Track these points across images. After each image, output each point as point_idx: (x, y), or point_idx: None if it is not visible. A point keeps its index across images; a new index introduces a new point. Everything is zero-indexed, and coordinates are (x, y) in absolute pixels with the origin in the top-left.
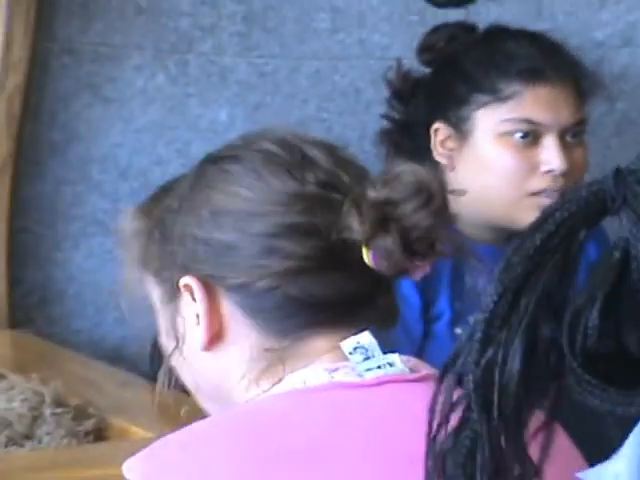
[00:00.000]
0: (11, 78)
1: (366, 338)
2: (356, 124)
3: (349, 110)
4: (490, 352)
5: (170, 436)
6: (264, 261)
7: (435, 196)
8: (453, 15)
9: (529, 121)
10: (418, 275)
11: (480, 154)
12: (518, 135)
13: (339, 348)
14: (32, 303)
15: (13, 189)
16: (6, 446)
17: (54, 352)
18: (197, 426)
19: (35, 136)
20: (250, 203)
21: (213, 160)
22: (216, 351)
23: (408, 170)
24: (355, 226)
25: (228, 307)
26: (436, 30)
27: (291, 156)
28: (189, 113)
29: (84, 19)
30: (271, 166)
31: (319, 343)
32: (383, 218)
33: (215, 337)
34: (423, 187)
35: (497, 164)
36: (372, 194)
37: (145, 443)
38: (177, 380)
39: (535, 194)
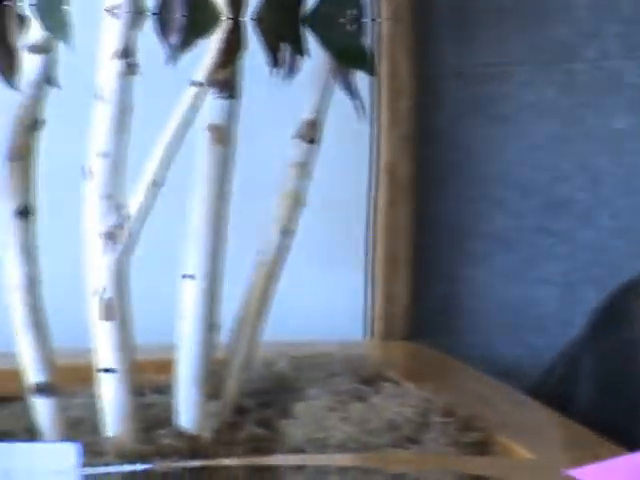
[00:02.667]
0: (401, 103)
1: None
2: None
3: None
4: None
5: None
6: None
7: None
8: None
9: None
10: None
11: None
12: None
13: None
14: (431, 317)
15: (416, 208)
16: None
17: (448, 364)
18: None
19: (435, 156)
20: None
21: None
22: None
23: None
24: None
25: None
26: None
27: None
28: (584, 124)
29: (465, 42)
30: None
31: None
32: None
33: None
34: None
35: None
36: None
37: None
38: None
39: None
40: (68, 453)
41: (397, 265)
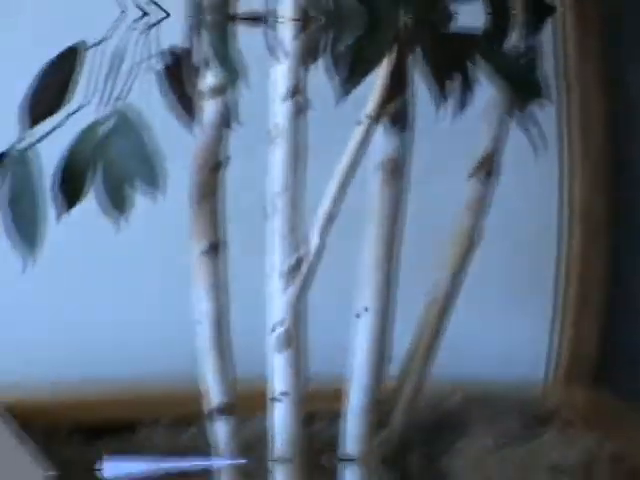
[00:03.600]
0: (593, 138)
1: None
2: None
3: None
4: None
5: None
6: None
7: None
8: None
9: None
10: None
11: None
12: None
13: None
14: (620, 363)
15: (612, 250)
16: None
17: (625, 412)
18: None
19: (633, 196)
20: None
21: None
22: None
23: None
24: None
25: None
26: None
27: None
28: None
29: None
30: None
31: None
32: None
33: None
34: None
35: None
36: None
37: None
38: None
39: None
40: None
41: (588, 308)
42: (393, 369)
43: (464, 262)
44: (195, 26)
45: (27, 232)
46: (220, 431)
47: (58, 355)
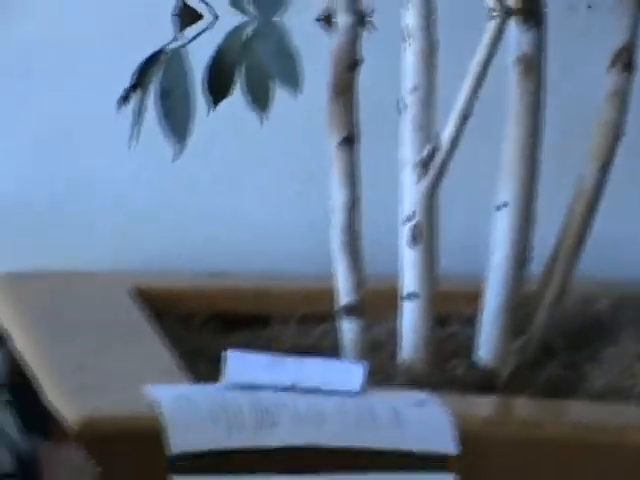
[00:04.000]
0: None
1: None
2: None
3: None
4: None
5: None
6: None
7: None
8: None
9: None
10: None
11: None
12: None
13: None
14: None
15: None
16: None
17: None
18: None
19: None
20: None
21: None
22: None
23: None
24: None
25: None
26: None
27: None
28: None
29: None
30: None
31: None
32: None
33: None
34: None
35: None
36: None
37: None
38: None
39: None
40: (355, 373)
41: None
42: (535, 269)
43: (610, 155)
44: None
45: (178, 124)
46: (348, 330)
47: (199, 244)
